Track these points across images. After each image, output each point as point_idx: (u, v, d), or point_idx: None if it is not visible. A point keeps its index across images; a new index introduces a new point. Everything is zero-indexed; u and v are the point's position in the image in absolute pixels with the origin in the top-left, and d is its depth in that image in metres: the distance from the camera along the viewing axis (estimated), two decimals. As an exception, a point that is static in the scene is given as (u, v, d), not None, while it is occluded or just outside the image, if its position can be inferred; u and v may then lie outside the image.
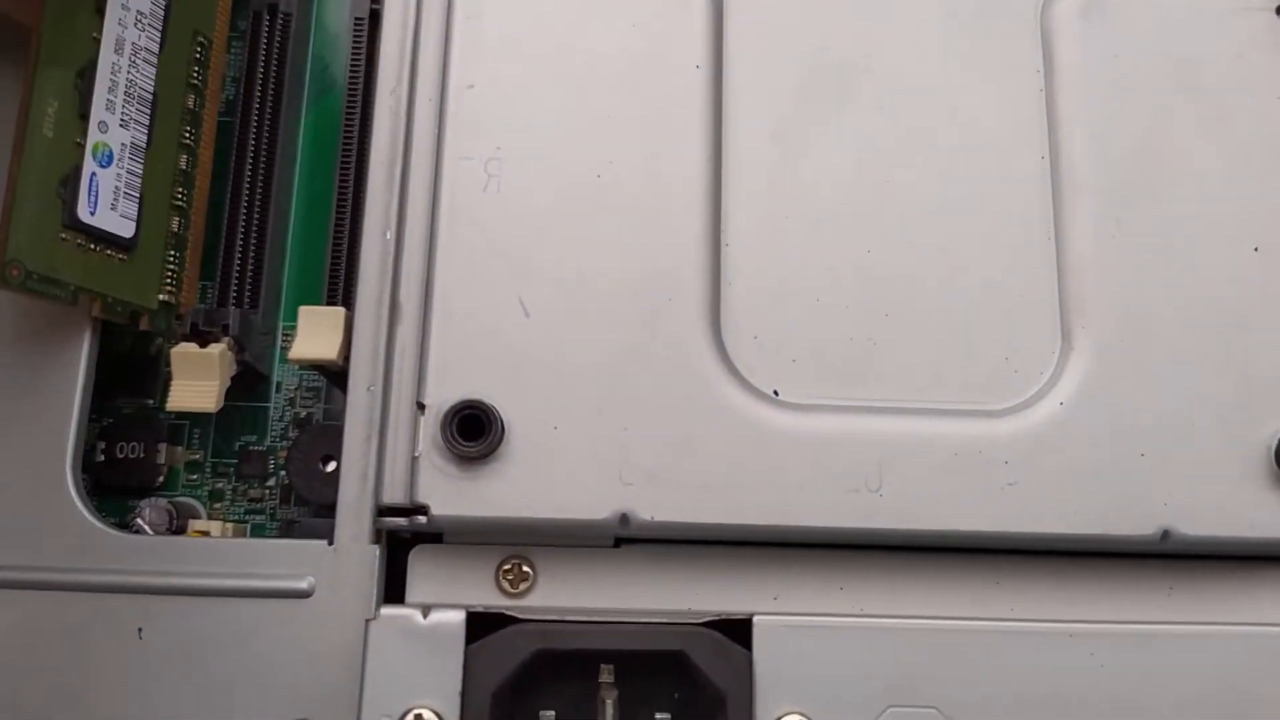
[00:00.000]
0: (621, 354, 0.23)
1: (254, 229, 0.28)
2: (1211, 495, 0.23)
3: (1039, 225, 0.24)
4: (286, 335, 0.28)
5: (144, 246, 0.26)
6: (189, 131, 0.27)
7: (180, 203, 0.27)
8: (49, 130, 0.24)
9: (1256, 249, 0.24)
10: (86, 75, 0.24)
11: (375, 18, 0.29)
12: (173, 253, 0.27)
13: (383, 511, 0.23)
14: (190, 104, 0.28)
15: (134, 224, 0.25)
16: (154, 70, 0.26)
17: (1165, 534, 0.23)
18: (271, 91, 0.29)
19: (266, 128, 0.29)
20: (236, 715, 0.22)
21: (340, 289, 0.27)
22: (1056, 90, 0.25)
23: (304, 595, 0.23)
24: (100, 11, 0.25)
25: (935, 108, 0.25)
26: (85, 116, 0.24)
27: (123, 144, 0.25)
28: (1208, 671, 0.22)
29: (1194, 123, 0.25)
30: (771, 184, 0.24)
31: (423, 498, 0.22)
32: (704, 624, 0.22)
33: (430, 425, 0.22)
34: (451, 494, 0.22)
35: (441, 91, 0.25)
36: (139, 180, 0.26)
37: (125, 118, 0.26)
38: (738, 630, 0.22)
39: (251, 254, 0.28)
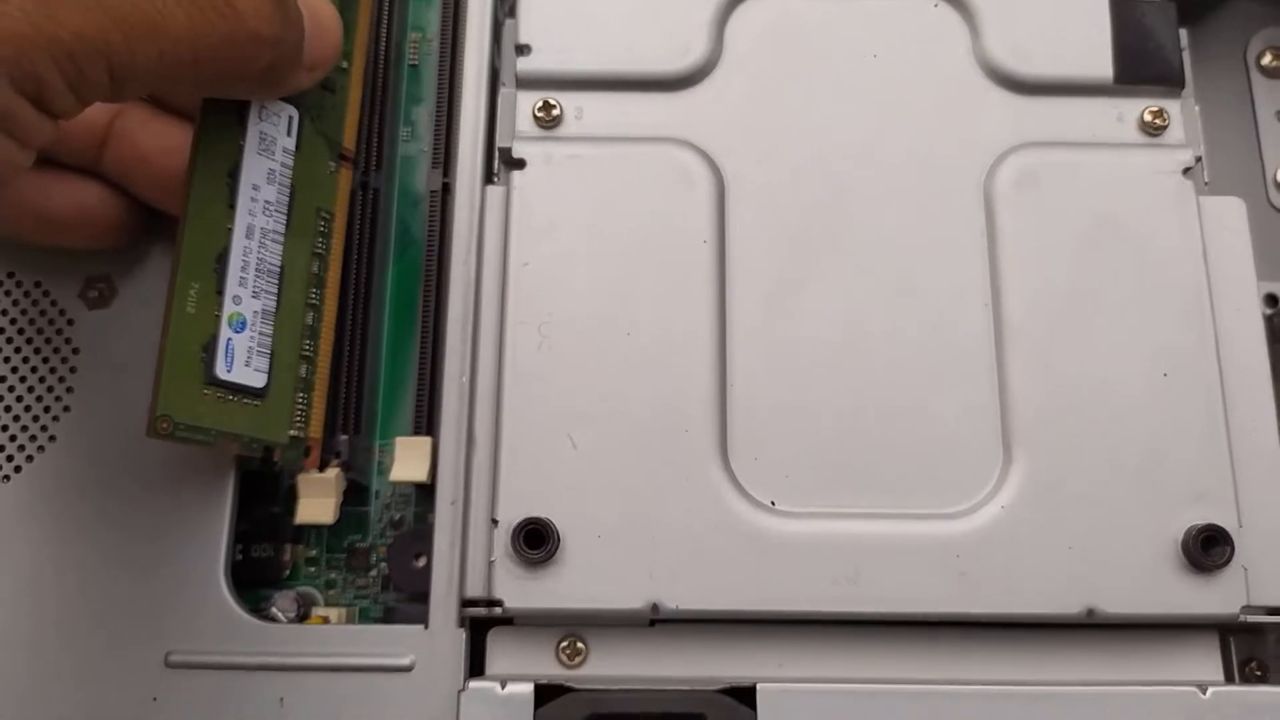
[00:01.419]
0: (648, 476, 0.29)
1: (356, 369, 0.34)
2: (1128, 579, 0.28)
3: (984, 362, 0.30)
4: (381, 452, 0.35)
5: (275, 393, 0.31)
6: (314, 293, 0.32)
7: (308, 353, 0.32)
8: (191, 308, 0.29)
9: (1165, 375, 0.30)
10: (221, 258, 0.29)
11: (446, 190, 0.36)
12: (301, 395, 0.32)
13: (466, 603, 0.29)
14: (315, 269, 0.32)
15: (266, 376, 0.30)
16: (280, 248, 0.31)
17: (1090, 611, 0.28)
18: (367, 251, 0.36)
19: (364, 284, 0.35)
20: (358, 769, 0.29)
21: (424, 420, 0.33)
22: (997, 246, 0.31)
23: (407, 670, 0.29)
24: (233, 206, 0.30)
25: (899, 266, 0.31)
26: (221, 292, 0.29)
27: (255, 311, 0.30)
28: (1126, 724, 0.27)
29: (1112, 271, 0.30)
30: (766, 335, 0.30)
31: (498, 593, 0.28)
32: (719, 690, 0.28)
33: (502, 537, 0.28)
34: (520, 590, 0.28)
35: (503, 267, 0.31)
36: (269, 339, 0.31)
37: (257, 290, 0.31)
38: (747, 695, 0.28)
39: (355, 390, 0.34)
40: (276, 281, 0.31)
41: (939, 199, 0.31)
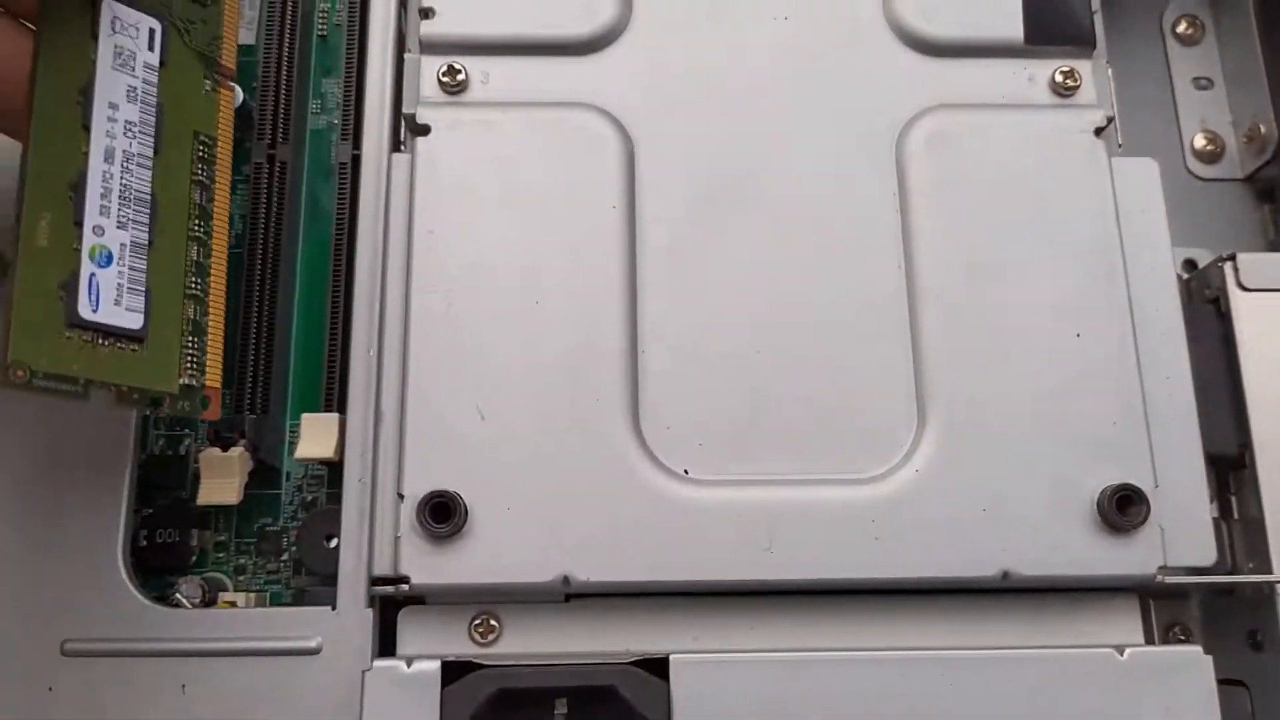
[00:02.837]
0: (559, 447, 0.28)
1: (263, 346, 0.33)
2: (1043, 541, 0.28)
3: (896, 323, 0.29)
4: (292, 433, 0.34)
5: (157, 335, 0.27)
6: (198, 224, 0.29)
7: (195, 291, 0.29)
8: (43, 240, 0.25)
9: (1078, 335, 0.30)
10: (77, 186, 0.26)
11: (356, 162, 0.35)
12: (192, 339, 0.29)
13: (375, 581, 0.29)
14: (198, 198, 0.29)
15: (142, 316, 0.27)
16: (149, 174, 0.28)
17: (1005, 574, 0.28)
18: (274, 226, 0.35)
19: (272, 259, 0.34)
20: (263, 753, 0.28)
21: (335, 398, 0.32)
22: (909, 208, 0.30)
23: (314, 653, 0.29)
24: (87, 128, 0.27)
25: (811, 225, 0.30)
26: (80, 223, 0.26)
27: (122, 244, 0.27)
28: (1042, 687, 0.27)
29: (1026, 232, 0.30)
30: (676, 301, 0.29)
31: (405, 569, 0.28)
32: (632, 663, 0.27)
33: (408, 511, 0.28)
34: (427, 566, 0.28)
35: (408, 235, 0.30)
36: (143, 275, 0.28)
37: (123, 219, 0.27)
38: (659, 666, 0.27)
39: (261, 367, 0.33)
40: (147, 211, 0.28)
41: (851, 161, 0.31)
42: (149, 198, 0.28)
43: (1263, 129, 0.38)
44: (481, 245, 0.30)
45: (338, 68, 0.37)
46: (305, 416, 0.31)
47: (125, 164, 0.28)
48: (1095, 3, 0.34)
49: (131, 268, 0.27)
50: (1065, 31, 0.32)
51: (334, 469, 0.32)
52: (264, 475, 0.33)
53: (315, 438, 0.30)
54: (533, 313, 0.29)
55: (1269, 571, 0.29)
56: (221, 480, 0.31)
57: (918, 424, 0.29)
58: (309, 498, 0.33)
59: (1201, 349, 0.31)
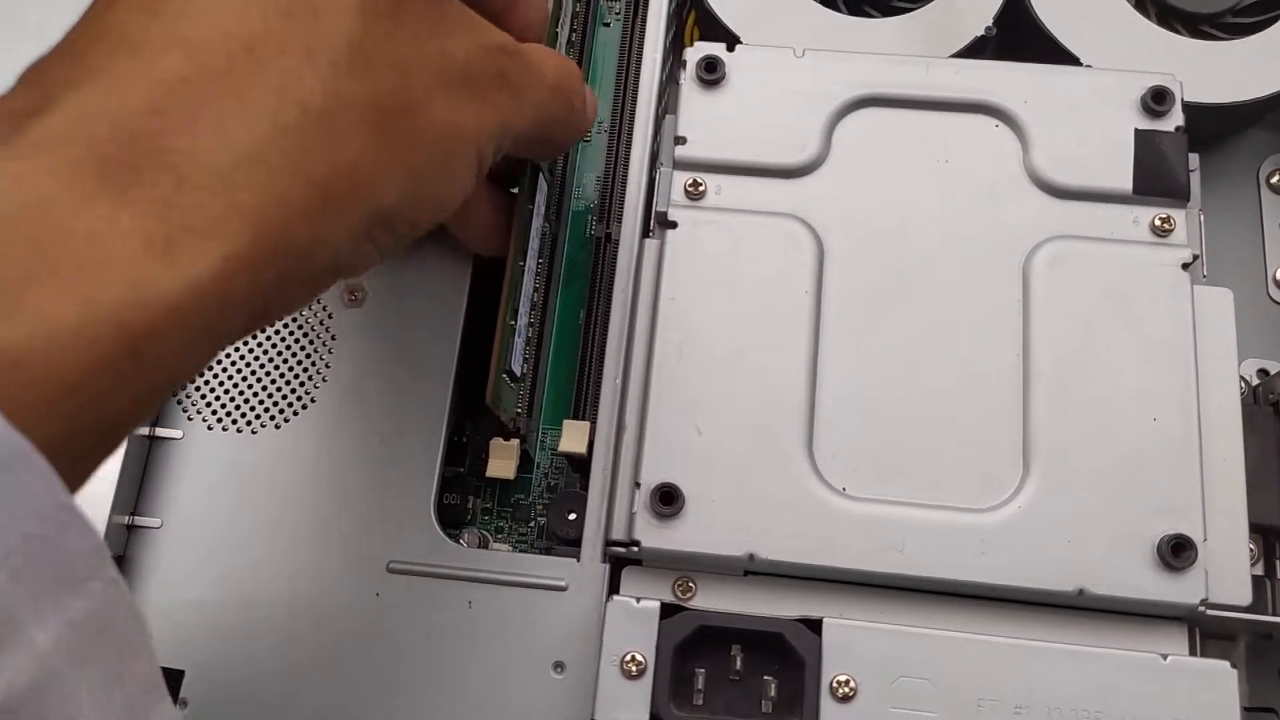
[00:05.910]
0: (754, 461, 0.39)
1: (536, 370, 0.45)
2: (1112, 570, 0.37)
3: (1012, 396, 0.39)
4: (544, 433, 0.46)
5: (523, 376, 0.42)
6: (537, 300, 0.44)
7: (529, 359, 0.43)
8: (509, 321, 0.40)
9: (1155, 419, 0.39)
10: (515, 291, 0.40)
11: (608, 238, 0.47)
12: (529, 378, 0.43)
13: (610, 544, 0.40)
14: (541, 286, 0.44)
15: (521, 364, 0.42)
16: (533, 277, 0.43)
17: (1080, 591, 0.37)
18: (544, 284, 0.47)
19: (542, 309, 0.47)
20: (524, 656, 0.39)
21: (582, 411, 0.44)
22: (1030, 311, 0.40)
23: (562, 589, 0.39)
24: (524, 254, 0.41)
25: (952, 318, 0.40)
26: (516, 311, 0.41)
27: (522, 326, 0.42)
28: (1100, 676, 0.36)
29: (1119, 338, 0.40)
30: (847, 365, 0.40)
31: (637, 536, 0.39)
32: (794, 619, 0.37)
33: (643, 495, 0.39)
34: (654, 535, 0.38)
35: (654, 299, 0.42)
36: (524, 341, 0.42)
37: (524, 310, 0.42)
38: (815, 626, 0.37)
39: (532, 384, 0.45)
40: (529, 303, 0.43)
41: (988, 273, 0.41)
42: (532, 293, 0.42)
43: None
44: (708, 311, 0.41)
45: (594, 167, 0.50)
46: (567, 422, 0.42)
47: (530, 277, 0.42)
48: (1194, 162, 0.43)
49: (524, 340, 0.41)
50: (1166, 186, 0.42)
51: (574, 464, 0.44)
52: (523, 462, 0.45)
53: (572, 437, 0.42)
54: (741, 364, 0.40)
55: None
56: (503, 461, 0.43)
57: (1022, 473, 0.38)
58: (552, 482, 0.45)
59: (1257, 441, 0.40)
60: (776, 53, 0.45)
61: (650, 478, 0.39)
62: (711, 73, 0.44)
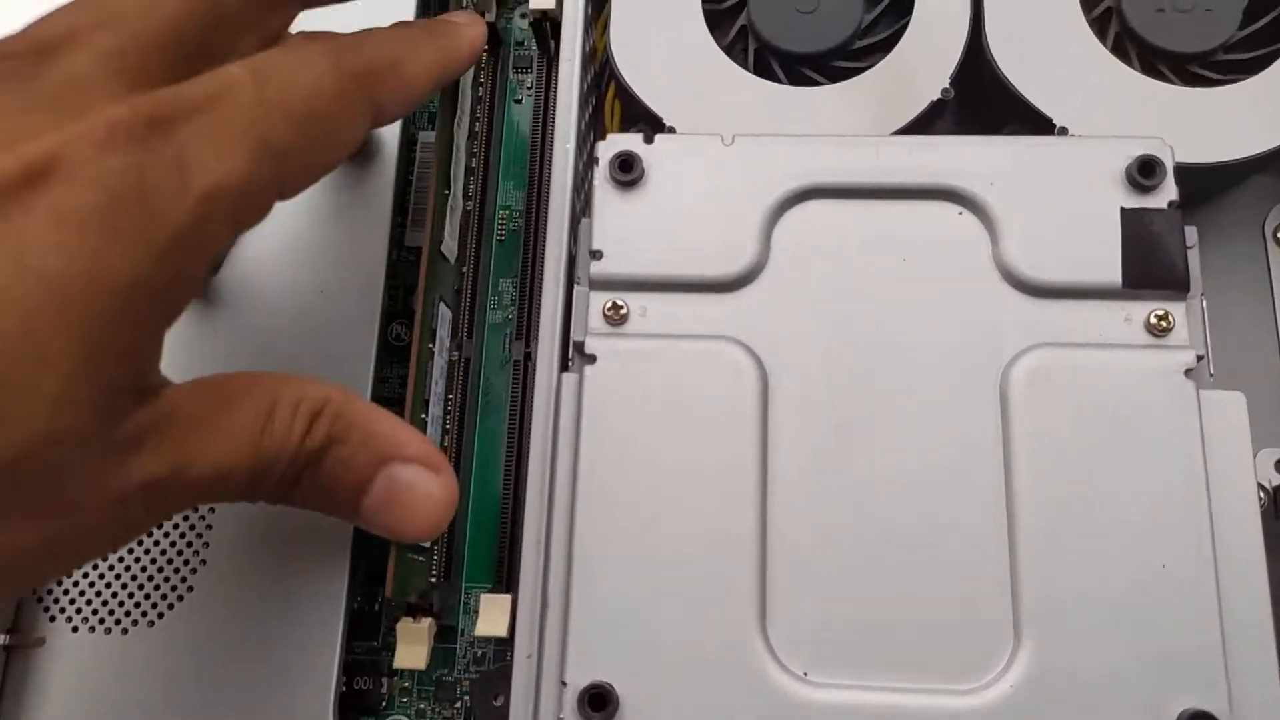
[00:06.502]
0: (699, 648, 0.33)
1: (450, 537, 0.40)
2: (1125, 754, 0.31)
3: (996, 549, 0.33)
4: (466, 594, 0.40)
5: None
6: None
7: None
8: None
9: (1164, 566, 0.33)
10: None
11: (528, 358, 0.41)
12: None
13: (539, 747, 0.34)
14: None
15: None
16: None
17: (1089, 788, 0.31)
18: (458, 417, 0.41)
19: (456, 447, 0.41)
20: None
21: (504, 574, 0.38)
22: (1010, 440, 0.34)
23: (485, 800, 0.34)
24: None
25: (920, 453, 0.34)
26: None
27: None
28: None
29: (1116, 469, 0.34)
30: (800, 518, 0.34)
31: (565, 744, 0.33)
32: (755, 842, 0.32)
33: (570, 698, 0.33)
34: (584, 744, 0.33)
35: (575, 444, 0.36)
36: None
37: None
38: (779, 845, 0.32)
39: (447, 540, 0.39)
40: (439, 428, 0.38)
41: (958, 396, 0.35)
42: (442, 417, 0.39)
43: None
44: (637, 461, 0.35)
45: (512, 270, 0.44)
46: (484, 597, 0.36)
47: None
48: (1192, 237, 0.37)
49: None
50: (1161, 277, 0.36)
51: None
52: (443, 632, 0.39)
53: (491, 616, 0.36)
54: (678, 523, 0.34)
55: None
56: (413, 646, 0.37)
57: (1014, 644, 0.33)
58: (479, 653, 0.39)
59: (1281, 565, 0.34)
60: (702, 141, 0.38)
61: (577, 677, 0.33)
62: (627, 172, 0.38)
